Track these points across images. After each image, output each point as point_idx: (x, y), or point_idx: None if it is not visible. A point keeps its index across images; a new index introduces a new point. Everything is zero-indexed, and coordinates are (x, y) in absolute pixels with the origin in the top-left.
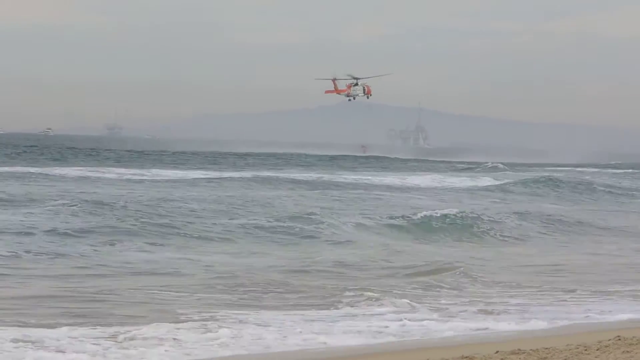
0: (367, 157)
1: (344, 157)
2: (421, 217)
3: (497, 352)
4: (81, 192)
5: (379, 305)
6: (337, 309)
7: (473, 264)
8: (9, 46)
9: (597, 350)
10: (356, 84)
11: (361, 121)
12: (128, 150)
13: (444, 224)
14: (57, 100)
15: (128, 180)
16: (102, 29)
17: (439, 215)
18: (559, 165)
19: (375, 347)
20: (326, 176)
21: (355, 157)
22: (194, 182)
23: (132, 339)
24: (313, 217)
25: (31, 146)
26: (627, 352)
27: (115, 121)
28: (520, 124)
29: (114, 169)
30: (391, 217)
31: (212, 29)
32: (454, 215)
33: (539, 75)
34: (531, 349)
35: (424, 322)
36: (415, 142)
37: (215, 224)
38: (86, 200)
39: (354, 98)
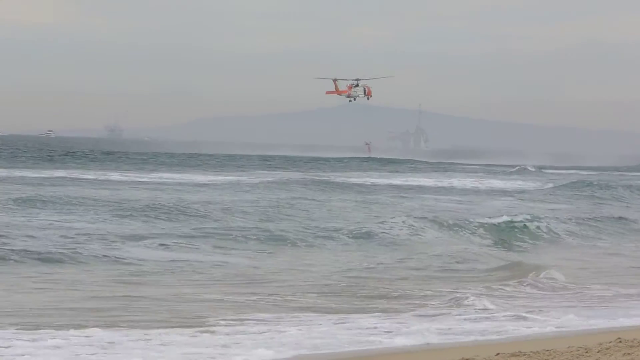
0: (379, 159)
1: (366, 160)
2: (500, 222)
3: (497, 354)
4: (142, 197)
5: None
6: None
7: (547, 266)
8: (11, 50)
9: (597, 352)
10: (357, 85)
11: (361, 123)
12: (145, 153)
13: (519, 227)
14: (57, 102)
15: (174, 183)
16: (103, 33)
17: (517, 219)
18: (575, 168)
19: (368, 350)
20: (361, 179)
21: (367, 159)
22: (233, 186)
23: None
24: (388, 222)
25: (43, 149)
26: (628, 354)
27: (115, 123)
28: (521, 126)
29: (150, 173)
30: (463, 221)
31: (211, 33)
32: (527, 219)
33: (541, 78)
34: (532, 351)
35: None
36: (416, 144)
37: (285, 230)
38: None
39: (355, 99)
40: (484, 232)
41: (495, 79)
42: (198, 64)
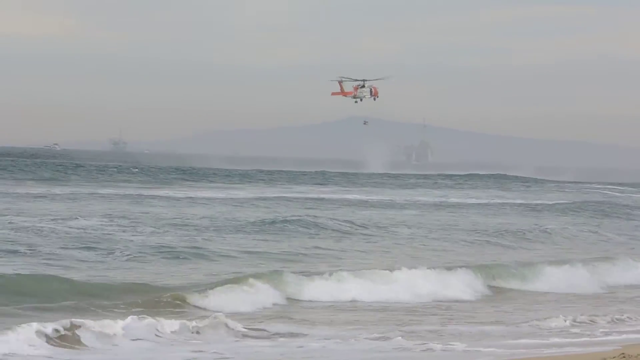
0: (451, 176)
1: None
2: None
3: None
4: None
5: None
6: None
7: None
8: (14, 62)
9: None
10: (363, 86)
11: (365, 136)
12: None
13: None
14: (59, 116)
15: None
16: (106, 47)
17: None
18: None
19: None
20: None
21: (414, 176)
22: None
23: None
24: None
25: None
26: None
27: (119, 136)
28: (526, 141)
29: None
30: None
31: (213, 46)
32: None
33: (545, 93)
34: None
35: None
36: (419, 159)
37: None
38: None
39: (361, 100)
40: None
41: (500, 93)
42: (199, 77)
